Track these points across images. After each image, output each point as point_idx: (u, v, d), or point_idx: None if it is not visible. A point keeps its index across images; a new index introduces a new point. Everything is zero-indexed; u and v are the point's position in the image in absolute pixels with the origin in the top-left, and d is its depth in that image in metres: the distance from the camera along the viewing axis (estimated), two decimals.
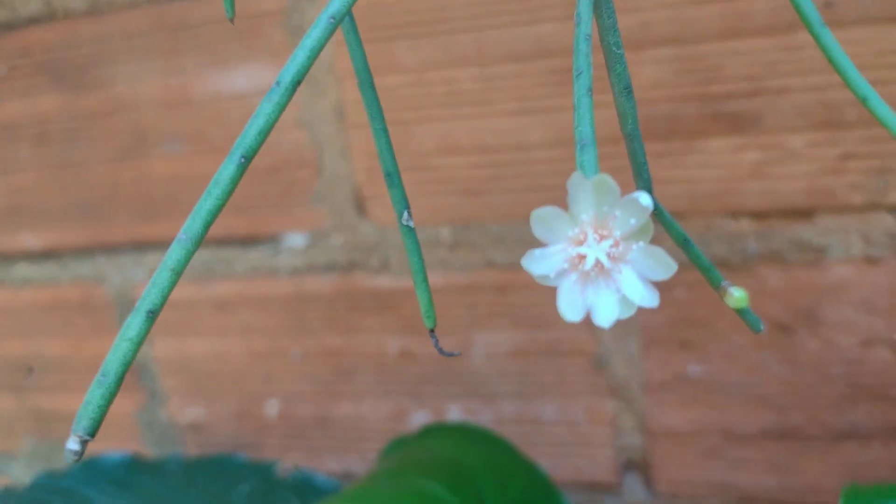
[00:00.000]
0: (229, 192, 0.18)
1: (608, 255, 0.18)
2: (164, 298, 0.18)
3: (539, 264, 0.18)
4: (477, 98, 0.51)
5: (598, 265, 0.18)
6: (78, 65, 0.59)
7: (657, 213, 0.26)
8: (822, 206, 0.47)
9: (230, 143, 0.57)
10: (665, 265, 0.18)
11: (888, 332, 0.48)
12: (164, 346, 0.64)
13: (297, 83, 0.19)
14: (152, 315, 0.18)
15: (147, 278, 0.63)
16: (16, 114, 0.62)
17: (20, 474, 0.73)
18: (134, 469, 0.48)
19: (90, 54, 0.59)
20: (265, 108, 0.19)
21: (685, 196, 0.49)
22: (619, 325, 0.52)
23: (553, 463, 0.57)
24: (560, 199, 0.51)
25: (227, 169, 0.18)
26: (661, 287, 0.51)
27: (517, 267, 0.53)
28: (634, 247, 0.19)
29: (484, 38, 0.50)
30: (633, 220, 0.18)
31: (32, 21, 0.59)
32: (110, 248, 0.63)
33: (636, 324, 0.52)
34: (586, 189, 0.18)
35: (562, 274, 0.19)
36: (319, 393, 0.61)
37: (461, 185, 0.53)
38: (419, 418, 0.59)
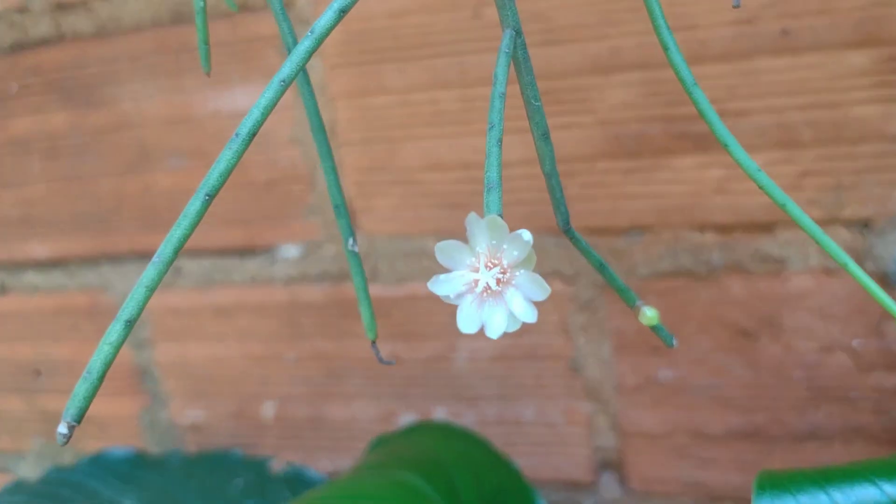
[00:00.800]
0: (195, 224, 0.22)
1: (497, 279, 0.22)
2: (141, 310, 0.21)
3: (442, 286, 0.22)
4: (459, 118, 0.54)
5: (488, 288, 0.22)
6: (86, 84, 0.62)
7: (575, 243, 0.29)
8: (782, 221, 0.50)
9: None
10: (542, 288, 0.22)
11: (845, 338, 0.51)
12: (165, 350, 0.67)
13: (253, 135, 0.22)
14: (130, 324, 0.21)
15: None
16: (27, 129, 0.65)
17: (28, 473, 0.76)
18: (137, 464, 0.51)
19: (97, 74, 0.62)
20: (226, 155, 0.22)
21: (654, 210, 0.52)
22: (593, 331, 0.55)
23: (532, 462, 0.60)
24: (537, 214, 0.54)
25: (194, 205, 0.22)
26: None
27: None
28: (518, 273, 0.22)
29: (465, 62, 0.53)
30: (516, 253, 0.22)
31: (43, 42, 0.63)
32: (115, 258, 0.66)
33: (609, 330, 0.55)
34: (481, 227, 0.22)
35: (461, 295, 0.23)
36: (312, 395, 0.64)
37: (445, 199, 0.56)
38: (406, 419, 0.62)
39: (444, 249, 0.22)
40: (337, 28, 0.56)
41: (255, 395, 0.66)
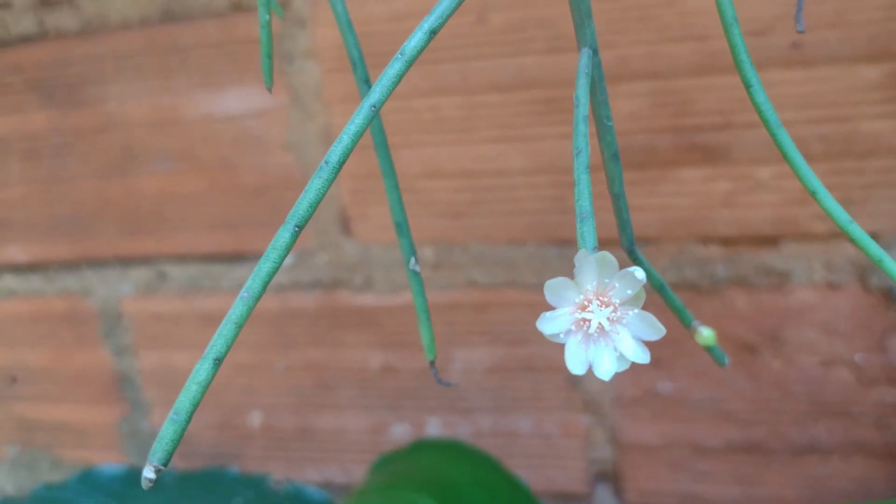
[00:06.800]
0: (283, 257, 0.21)
1: (608, 318, 0.22)
2: (229, 347, 0.20)
3: (549, 325, 0.21)
4: (461, 125, 0.53)
5: (600, 327, 0.22)
6: (69, 83, 0.60)
7: (639, 264, 0.28)
8: (788, 234, 0.50)
9: (219, 162, 0.58)
10: (655, 329, 0.22)
11: (848, 353, 0.51)
12: (148, 358, 0.65)
13: (342, 163, 0.21)
14: (218, 362, 0.20)
15: (132, 292, 0.64)
16: (5, 129, 0.63)
17: (3, 482, 0.74)
18: (129, 482, 0.49)
19: (81, 73, 0.60)
20: (315, 184, 0.21)
21: (658, 222, 0.51)
22: None
23: (527, 474, 0.59)
24: (539, 224, 0.53)
25: (283, 237, 0.21)
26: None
27: (497, 287, 0.55)
28: (630, 313, 0.22)
29: (468, 68, 0.52)
30: (629, 291, 0.22)
31: (24, 40, 0.60)
32: (97, 263, 0.64)
33: None
34: (590, 263, 0.21)
35: (569, 334, 0.22)
36: (301, 405, 0.63)
37: (444, 208, 0.55)
38: (399, 431, 0.61)
39: (553, 287, 0.21)
40: (334, 31, 0.54)
41: (242, 405, 0.64)
